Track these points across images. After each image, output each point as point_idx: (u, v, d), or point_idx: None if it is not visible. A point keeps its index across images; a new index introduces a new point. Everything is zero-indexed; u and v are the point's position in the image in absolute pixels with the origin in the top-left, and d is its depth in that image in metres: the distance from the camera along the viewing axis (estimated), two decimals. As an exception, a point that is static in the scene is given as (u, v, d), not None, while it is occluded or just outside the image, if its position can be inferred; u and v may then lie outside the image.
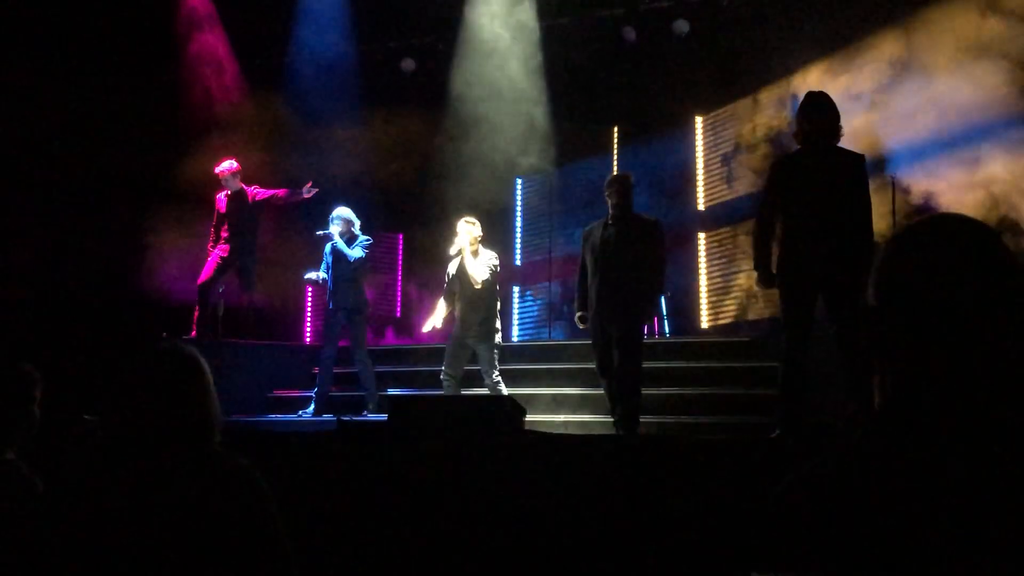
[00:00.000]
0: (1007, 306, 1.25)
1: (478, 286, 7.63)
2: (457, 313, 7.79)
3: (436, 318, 7.99)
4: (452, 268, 7.87)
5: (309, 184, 9.54)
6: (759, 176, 9.52)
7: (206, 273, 9.40)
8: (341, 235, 8.60)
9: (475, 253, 7.77)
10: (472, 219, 7.90)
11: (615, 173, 7.44)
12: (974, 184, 8.59)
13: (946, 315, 1.25)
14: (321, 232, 8.74)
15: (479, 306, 7.67)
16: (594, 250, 6.86)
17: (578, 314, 7.07)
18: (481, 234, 7.87)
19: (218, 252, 9.45)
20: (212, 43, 11.44)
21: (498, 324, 7.77)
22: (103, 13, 10.67)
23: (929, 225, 1.33)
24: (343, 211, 8.73)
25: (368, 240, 8.74)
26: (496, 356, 7.72)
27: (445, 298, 7.92)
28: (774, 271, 5.84)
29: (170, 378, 2.36)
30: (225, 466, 2.34)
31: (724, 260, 10.49)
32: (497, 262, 7.85)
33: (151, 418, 2.31)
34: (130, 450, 2.31)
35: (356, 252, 8.58)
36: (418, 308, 11.75)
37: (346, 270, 8.58)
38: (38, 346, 8.43)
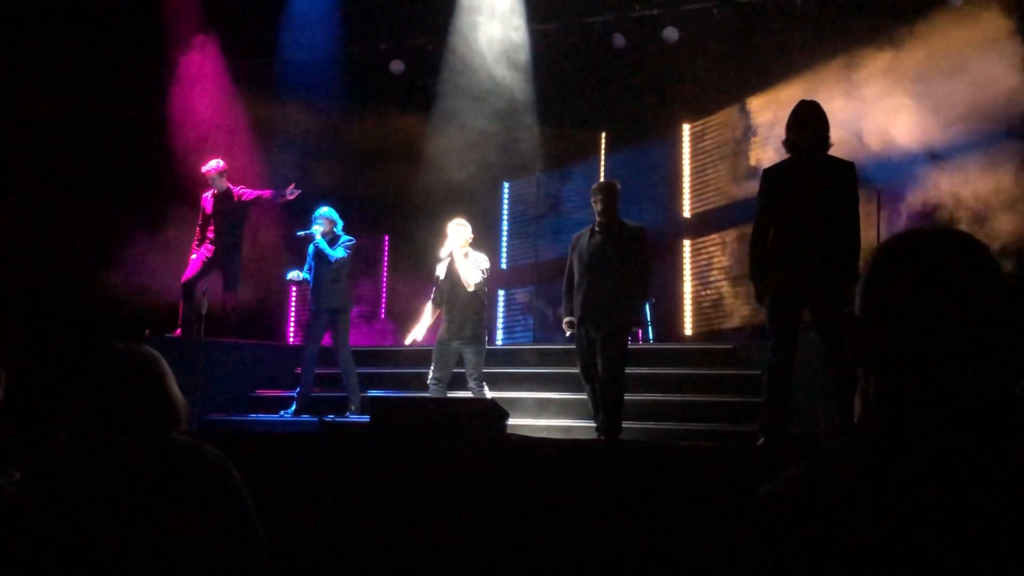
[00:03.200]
0: (992, 318, 1.25)
1: (471, 288, 7.59)
2: (445, 316, 7.74)
3: (420, 329, 7.93)
4: (440, 271, 7.83)
5: (292, 185, 9.52)
6: (745, 185, 9.56)
7: (190, 271, 9.37)
8: (324, 235, 8.54)
9: (465, 255, 7.75)
10: (463, 221, 7.85)
11: (601, 180, 7.44)
12: (961, 196, 8.65)
13: (931, 327, 1.25)
14: (303, 232, 8.70)
15: (469, 310, 7.64)
16: (581, 257, 6.87)
17: (566, 320, 7.06)
18: (472, 236, 7.84)
19: (203, 252, 9.42)
20: (200, 41, 11.39)
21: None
22: (88, 10, 10.61)
23: (916, 237, 1.33)
24: (326, 211, 8.67)
25: (351, 240, 8.69)
26: (482, 360, 7.71)
27: (433, 303, 7.88)
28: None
29: (125, 377, 2.41)
30: (194, 454, 2.37)
31: (709, 268, 10.52)
32: (488, 265, 7.82)
33: (109, 415, 2.36)
34: (94, 446, 2.33)
35: (338, 252, 8.53)
36: (404, 310, 11.72)
37: (329, 270, 8.55)
38: (19, 345, 8.37)
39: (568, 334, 7.07)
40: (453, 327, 7.65)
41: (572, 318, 6.95)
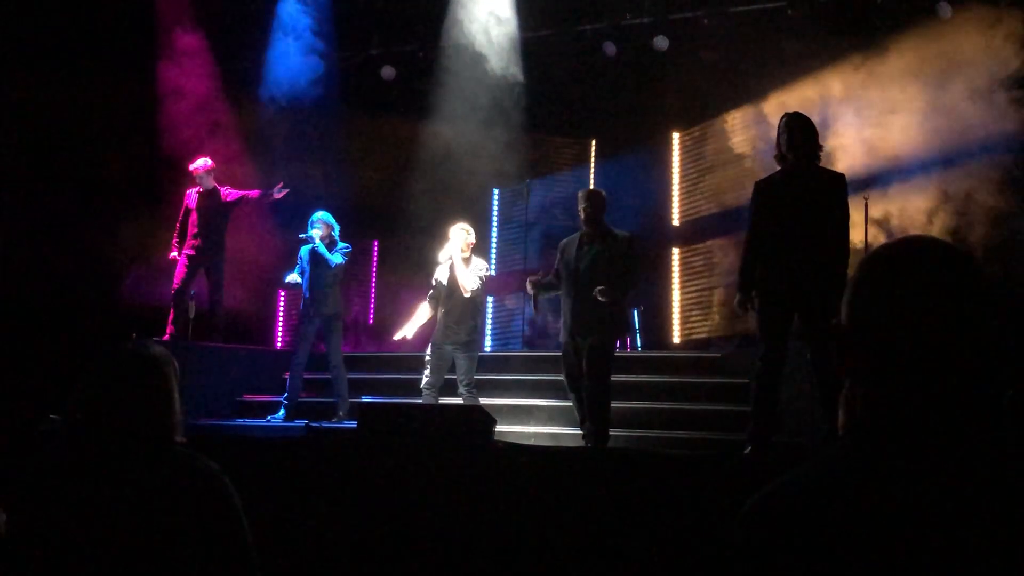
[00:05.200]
0: (978, 328, 1.26)
1: (468, 295, 7.56)
2: (440, 320, 7.70)
3: (411, 326, 7.88)
4: (441, 274, 7.78)
5: (280, 184, 9.50)
6: (734, 193, 9.59)
7: (178, 278, 9.31)
8: (321, 239, 8.54)
9: (467, 260, 7.71)
10: (466, 225, 7.82)
11: (588, 188, 7.44)
12: (948, 205, 8.69)
13: (917, 336, 1.25)
14: (304, 235, 8.66)
15: (466, 315, 7.61)
16: (568, 264, 6.86)
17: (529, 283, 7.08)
18: (474, 241, 7.82)
19: (186, 254, 9.38)
20: (191, 45, 11.36)
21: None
22: (79, 13, 10.57)
23: (902, 247, 1.34)
24: (323, 215, 8.63)
25: (348, 248, 8.69)
26: (474, 366, 7.69)
27: (429, 304, 7.84)
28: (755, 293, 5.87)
29: (137, 377, 2.35)
30: (192, 467, 2.33)
31: (698, 276, 10.54)
32: (488, 272, 7.81)
33: (114, 416, 2.30)
34: (93, 448, 2.29)
35: (336, 258, 8.50)
36: (392, 315, 11.70)
37: (325, 276, 8.51)
38: (6, 346, 8.33)
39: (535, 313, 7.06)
40: (449, 331, 7.62)
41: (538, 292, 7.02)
